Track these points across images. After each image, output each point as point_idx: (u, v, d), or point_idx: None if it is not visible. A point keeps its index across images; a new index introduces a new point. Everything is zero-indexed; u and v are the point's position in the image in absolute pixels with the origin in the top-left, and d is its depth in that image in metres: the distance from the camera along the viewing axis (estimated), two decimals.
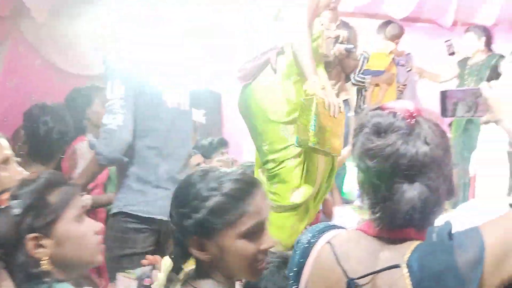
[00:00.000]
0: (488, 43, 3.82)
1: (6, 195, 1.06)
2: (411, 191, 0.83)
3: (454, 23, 4.94)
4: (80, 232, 1.07)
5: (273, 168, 2.13)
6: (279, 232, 2.00)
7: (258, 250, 1.02)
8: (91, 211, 2.27)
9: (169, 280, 1.10)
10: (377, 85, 4.32)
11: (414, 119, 0.87)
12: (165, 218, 1.26)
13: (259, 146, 2.19)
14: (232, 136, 4.21)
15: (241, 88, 2.23)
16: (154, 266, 1.37)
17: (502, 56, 3.63)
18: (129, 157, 1.99)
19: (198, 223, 1.00)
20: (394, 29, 4.09)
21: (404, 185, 0.84)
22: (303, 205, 2.15)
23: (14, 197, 1.04)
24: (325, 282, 0.93)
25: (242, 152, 4.47)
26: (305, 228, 1.47)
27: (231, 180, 1.03)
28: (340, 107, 2.04)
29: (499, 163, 1.92)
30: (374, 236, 0.90)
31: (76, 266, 1.10)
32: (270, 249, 1.07)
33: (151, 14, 2.07)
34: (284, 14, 2.06)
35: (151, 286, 1.34)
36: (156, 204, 1.97)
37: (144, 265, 1.41)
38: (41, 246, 1.02)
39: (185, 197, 1.05)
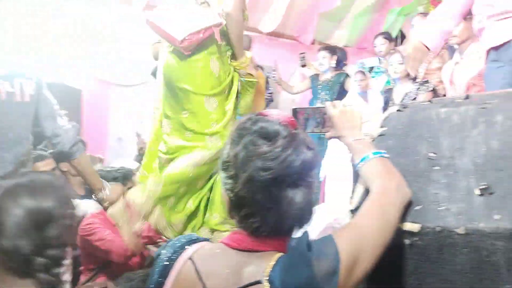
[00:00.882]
0: (339, 62, 4.28)
1: None
2: (298, 195, 0.84)
3: (313, 42, 5.50)
4: None
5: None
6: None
7: None
8: None
9: None
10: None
11: (295, 127, 0.88)
12: None
13: (177, 114, 2.17)
14: (93, 136, 3.96)
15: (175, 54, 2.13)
16: None
17: (348, 76, 4.10)
18: None
19: None
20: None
21: (291, 190, 0.84)
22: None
23: None
24: None
25: (104, 151, 4.25)
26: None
27: None
28: None
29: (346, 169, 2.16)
30: (239, 250, 0.87)
31: None
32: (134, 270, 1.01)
33: None
34: None
35: None
36: None
37: None
38: None
39: None
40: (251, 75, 2.28)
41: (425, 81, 3.55)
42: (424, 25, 2.17)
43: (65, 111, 2.08)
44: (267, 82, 4.58)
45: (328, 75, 4.17)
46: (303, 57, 4.51)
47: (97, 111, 4.69)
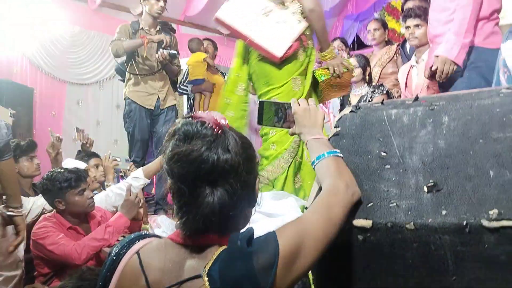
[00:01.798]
0: None
1: None
2: (211, 196, 0.85)
3: None
4: None
5: None
6: None
7: None
8: None
9: None
10: (201, 93, 4.54)
11: (221, 129, 0.90)
12: None
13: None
14: (44, 137, 3.81)
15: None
16: None
17: None
18: None
19: None
20: (195, 43, 4.64)
21: (205, 190, 0.86)
22: None
23: None
24: None
25: None
26: None
27: None
28: None
29: None
30: (181, 244, 0.90)
31: None
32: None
33: None
34: None
35: None
36: None
37: None
38: None
39: None
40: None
41: (380, 84, 3.67)
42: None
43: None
44: None
45: None
46: None
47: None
